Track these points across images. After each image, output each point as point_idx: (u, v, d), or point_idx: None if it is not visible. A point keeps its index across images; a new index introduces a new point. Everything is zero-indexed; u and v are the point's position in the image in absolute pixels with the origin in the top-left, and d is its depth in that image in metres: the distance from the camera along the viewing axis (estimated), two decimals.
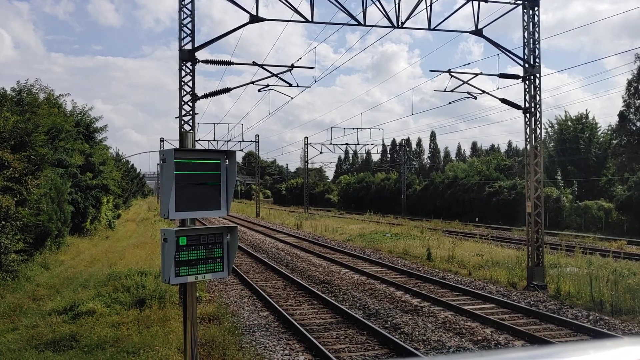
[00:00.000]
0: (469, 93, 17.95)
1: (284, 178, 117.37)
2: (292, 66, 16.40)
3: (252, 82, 16.87)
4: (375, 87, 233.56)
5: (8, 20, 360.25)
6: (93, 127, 34.14)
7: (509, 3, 15.15)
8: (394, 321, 11.15)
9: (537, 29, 15.06)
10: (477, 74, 17.20)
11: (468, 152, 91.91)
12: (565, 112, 58.93)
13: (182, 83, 13.37)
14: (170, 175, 3.61)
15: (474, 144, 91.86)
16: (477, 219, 43.88)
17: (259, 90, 18.07)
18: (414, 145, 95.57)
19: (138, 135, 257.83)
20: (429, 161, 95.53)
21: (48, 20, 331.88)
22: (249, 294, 14.42)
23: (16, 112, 19.01)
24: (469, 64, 38.26)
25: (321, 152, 55.21)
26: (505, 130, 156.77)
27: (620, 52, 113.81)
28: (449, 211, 48.84)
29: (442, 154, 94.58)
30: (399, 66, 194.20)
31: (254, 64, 16.12)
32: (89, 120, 33.67)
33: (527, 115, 15.12)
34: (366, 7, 14.36)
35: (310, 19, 13.89)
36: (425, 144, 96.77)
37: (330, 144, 52.08)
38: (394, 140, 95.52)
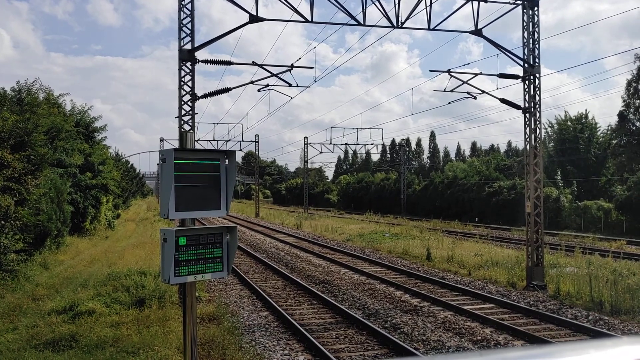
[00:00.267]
0: (468, 93, 17.96)
1: (283, 178, 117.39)
2: (292, 66, 16.41)
3: (252, 82, 16.87)
4: (374, 87, 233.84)
5: (7, 19, 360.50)
6: (92, 127, 34.13)
7: (509, 3, 15.16)
8: (393, 321, 11.15)
9: (536, 29, 15.07)
10: (476, 74, 17.21)
11: (468, 152, 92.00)
12: (565, 112, 59.00)
13: (182, 83, 13.37)
14: (169, 175, 3.61)
15: (474, 144, 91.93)
16: (476, 219, 43.91)
17: (259, 90, 18.08)
18: (413, 145, 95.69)
19: (137, 135, 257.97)
20: (428, 161, 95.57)
21: (47, 20, 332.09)
22: (249, 293, 14.42)
23: (16, 111, 19.00)
24: (468, 64, 38.25)
25: (321, 152, 55.24)
26: (504, 130, 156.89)
27: (620, 52, 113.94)
28: (448, 211, 48.86)
29: (441, 154, 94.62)
30: (399, 66, 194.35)
31: (254, 63, 16.12)
32: (89, 120, 33.67)
33: (527, 115, 15.12)
34: (366, 7, 14.37)
35: (310, 19, 13.89)
36: (425, 144, 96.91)
37: (330, 143, 52.09)
38: (393, 140, 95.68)
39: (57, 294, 13.27)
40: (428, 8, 14.52)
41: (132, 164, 78.11)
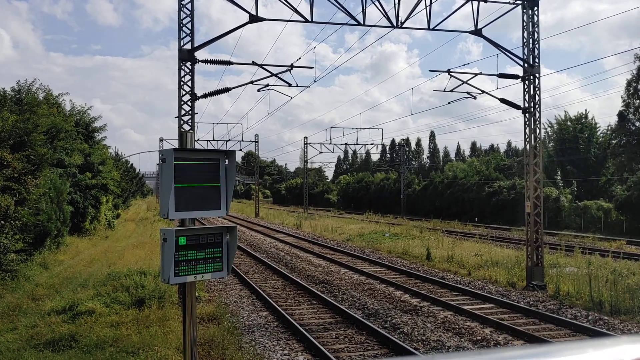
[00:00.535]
0: (468, 93, 17.96)
1: (283, 178, 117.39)
2: (292, 66, 16.41)
3: (252, 82, 16.88)
4: (374, 87, 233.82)
5: (7, 19, 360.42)
6: (92, 127, 34.13)
7: (509, 3, 15.16)
8: (393, 321, 11.15)
9: (536, 29, 15.07)
10: (476, 74, 17.21)
11: (467, 152, 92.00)
12: (565, 112, 59.03)
13: (182, 83, 13.37)
14: (169, 175, 3.61)
15: (474, 144, 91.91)
16: (476, 219, 43.92)
17: (259, 90, 18.08)
18: (413, 145, 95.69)
19: (137, 135, 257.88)
20: (428, 161, 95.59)
21: (47, 19, 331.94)
22: (249, 293, 14.42)
23: (15, 111, 19.00)
24: (468, 64, 38.20)
25: (320, 152, 55.24)
26: (504, 130, 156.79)
27: (620, 52, 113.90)
28: (448, 211, 48.88)
29: (441, 153, 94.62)
30: (398, 66, 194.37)
31: (254, 63, 16.12)
32: (88, 120, 33.67)
33: (527, 115, 15.12)
34: (365, 7, 14.37)
35: (309, 19, 13.89)
36: (425, 144, 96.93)
37: (330, 143, 52.09)
38: (393, 140, 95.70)
39: (56, 294, 13.26)
40: (428, 8, 14.53)
41: (131, 164, 78.13)
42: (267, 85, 17.43)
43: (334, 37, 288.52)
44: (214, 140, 44.85)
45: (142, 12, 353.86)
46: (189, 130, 13.45)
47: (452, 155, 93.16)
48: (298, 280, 15.74)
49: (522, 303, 12.78)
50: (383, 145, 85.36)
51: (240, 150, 54.31)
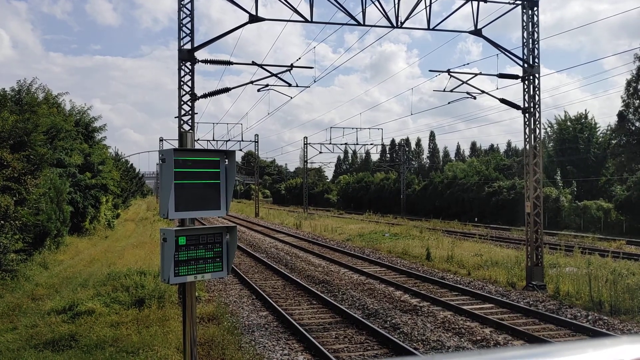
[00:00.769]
0: (468, 93, 17.96)
1: (283, 178, 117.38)
2: (292, 66, 16.41)
3: (252, 82, 16.88)
4: (374, 87, 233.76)
5: (6, 19, 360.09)
6: (92, 127, 34.13)
7: (508, 3, 15.16)
8: (393, 321, 11.15)
9: (536, 29, 15.07)
10: (476, 74, 17.21)
11: (467, 152, 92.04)
12: (565, 112, 59.03)
13: (182, 83, 13.37)
14: (169, 175, 3.61)
15: (473, 144, 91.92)
16: (476, 219, 43.92)
17: (258, 90, 18.08)
18: (413, 145, 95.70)
19: (137, 135, 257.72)
20: (428, 161, 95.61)
21: (46, 19, 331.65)
22: (248, 293, 14.42)
23: (15, 111, 19.00)
24: (468, 64, 38.23)
25: (320, 152, 55.25)
26: (504, 130, 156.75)
27: (619, 52, 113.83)
28: (448, 211, 48.89)
29: (441, 153, 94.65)
30: (398, 66, 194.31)
31: (254, 63, 16.12)
32: (88, 120, 33.67)
33: (527, 115, 15.13)
34: (365, 7, 14.37)
35: (309, 19, 13.88)
36: (425, 144, 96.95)
37: (330, 143, 52.10)
38: (393, 140, 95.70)
39: (56, 293, 13.26)
40: (428, 8, 14.53)
41: (131, 164, 78.16)
42: (267, 85, 17.43)
43: (333, 37, 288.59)
44: (214, 140, 44.87)
45: (141, 12, 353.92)
46: (189, 130, 13.45)
47: (452, 155, 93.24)
48: (298, 280, 15.75)
49: (521, 303, 12.78)
50: (383, 145, 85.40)
51: (240, 150, 54.35)
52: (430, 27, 14.90)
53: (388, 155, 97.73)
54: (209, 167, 3.87)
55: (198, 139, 40.98)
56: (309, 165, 63.96)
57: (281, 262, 20.34)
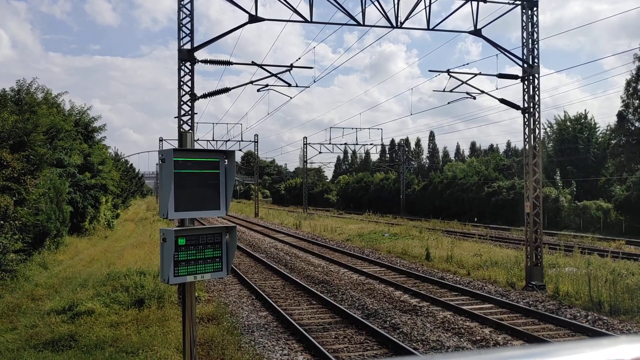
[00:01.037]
0: (467, 93, 17.97)
1: (282, 178, 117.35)
2: (292, 66, 16.41)
3: (251, 82, 16.88)
4: (373, 87, 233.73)
5: (5, 19, 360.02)
6: (92, 127, 34.12)
7: (508, 3, 15.16)
8: (392, 321, 11.15)
9: (535, 29, 15.08)
10: (475, 74, 17.22)
11: (467, 152, 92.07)
12: (565, 112, 59.06)
13: (181, 83, 13.37)
14: (169, 175, 3.62)
15: (473, 144, 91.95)
16: (475, 219, 43.92)
17: (258, 90, 18.08)
18: (412, 145, 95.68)
19: (137, 135, 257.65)
20: (427, 161, 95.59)
21: (45, 19, 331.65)
22: (248, 293, 14.42)
23: (15, 111, 18.99)
24: (467, 64, 38.35)
25: (320, 152, 55.26)
26: (504, 130, 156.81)
27: (619, 53, 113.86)
28: (447, 211, 48.89)
29: (441, 154, 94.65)
30: (397, 66, 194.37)
31: (253, 64, 16.12)
32: (88, 120, 33.67)
33: (526, 115, 15.13)
34: (365, 7, 14.36)
35: (309, 19, 13.88)
36: (424, 144, 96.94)
37: (329, 143, 52.10)
38: (392, 140, 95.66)
39: (56, 294, 13.26)
40: (427, 8, 14.53)
41: (131, 164, 78.17)
42: (266, 86, 17.43)
43: (333, 37, 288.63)
44: (213, 140, 44.88)
45: (140, 12, 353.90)
46: (189, 130, 13.45)
47: (452, 156, 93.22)
48: (297, 280, 15.75)
49: (521, 303, 12.78)
50: (382, 146, 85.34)
51: (240, 150, 54.33)
52: (430, 27, 14.90)
53: (388, 155, 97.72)
54: (208, 168, 3.87)
55: (198, 139, 40.98)
56: (308, 166, 63.97)
57: (281, 262, 20.34)
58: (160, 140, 59.69)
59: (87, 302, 11.36)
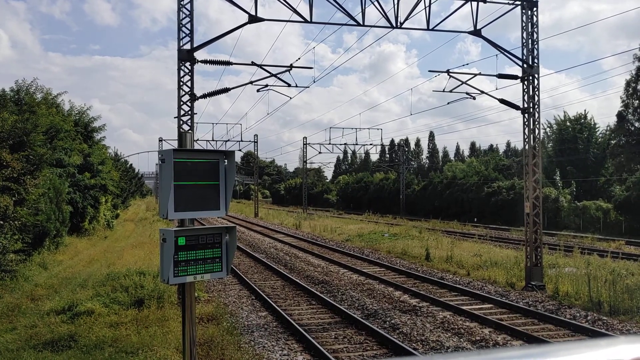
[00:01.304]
0: (467, 93, 17.97)
1: (282, 178, 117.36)
2: (291, 66, 16.41)
3: (251, 82, 16.88)
4: (373, 87, 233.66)
5: (5, 19, 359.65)
6: (91, 127, 34.13)
7: (508, 3, 15.17)
8: (392, 321, 11.16)
9: (535, 30, 15.08)
10: (475, 74, 17.23)
11: (467, 152, 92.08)
12: (564, 112, 59.07)
13: (181, 83, 13.37)
14: (169, 175, 3.62)
15: (473, 144, 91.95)
16: (475, 219, 43.93)
17: (258, 91, 18.09)
18: (412, 146, 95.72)
19: (136, 135, 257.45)
20: (427, 161, 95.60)
21: (45, 19, 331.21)
22: (248, 294, 14.42)
23: (14, 111, 18.99)
24: (467, 64, 38.44)
25: (320, 152, 55.29)
26: (503, 130, 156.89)
27: (618, 53, 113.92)
28: (447, 211, 48.89)
29: (440, 154, 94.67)
30: (397, 66, 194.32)
31: (253, 64, 16.13)
32: (87, 120, 33.67)
33: (526, 115, 15.13)
34: (365, 7, 14.37)
35: (309, 19, 13.89)
36: (424, 144, 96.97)
37: (329, 144, 52.12)
38: (392, 141, 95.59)
39: (55, 294, 13.26)
40: (427, 8, 14.53)
41: (131, 164, 78.19)
42: (266, 86, 17.44)
43: (332, 37, 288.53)
44: (213, 140, 44.91)
45: (140, 12, 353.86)
46: (189, 130, 13.45)
47: (452, 156, 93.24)
48: (297, 280, 15.75)
49: (521, 303, 12.79)
50: (382, 146, 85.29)
51: (240, 150, 54.35)
52: (430, 28, 14.91)
53: (387, 155, 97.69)
54: (208, 168, 3.87)
55: (197, 139, 40.99)
56: (308, 166, 63.97)
57: (280, 263, 20.34)
58: (160, 140, 59.69)
59: (86, 303, 11.36)
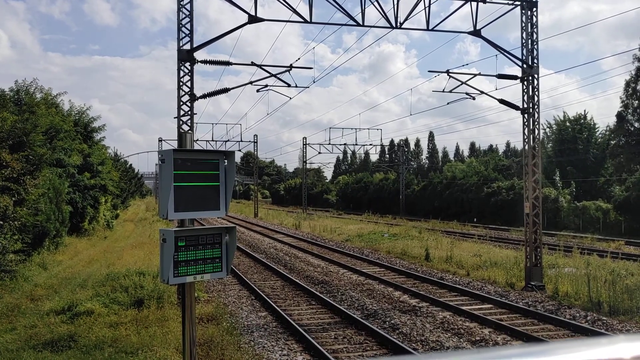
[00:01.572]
0: (467, 93, 17.97)
1: (282, 178, 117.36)
2: (291, 66, 16.41)
3: (251, 83, 16.88)
4: (372, 88, 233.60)
5: (4, 19, 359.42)
6: (91, 127, 34.13)
7: (508, 4, 15.17)
8: (392, 321, 11.16)
9: (535, 30, 15.09)
10: (475, 75, 17.23)
11: (466, 153, 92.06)
12: (564, 112, 59.07)
13: (181, 83, 13.37)
14: (169, 175, 3.62)
15: (472, 145, 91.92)
16: (475, 220, 43.94)
17: (258, 91, 18.09)
18: (412, 146, 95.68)
19: (136, 135, 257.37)
20: (427, 161, 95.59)
21: (44, 19, 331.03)
22: (248, 294, 14.42)
23: (14, 111, 18.98)
24: (467, 64, 38.57)
25: (319, 153, 55.33)
26: (503, 130, 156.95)
27: (618, 53, 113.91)
28: (447, 211, 48.90)
29: (440, 154, 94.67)
30: (396, 66, 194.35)
31: (253, 64, 16.13)
32: (87, 120, 33.67)
33: (526, 115, 15.14)
34: (364, 8, 14.37)
35: (309, 19, 13.89)
36: (424, 144, 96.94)
37: (329, 144, 52.12)
38: (392, 141, 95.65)
39: (55, 294, 13.26)
40: (427, 9, 14.54)
41: (130, 164, 78.16)
42: (266, 86, 17.44)
43: (332, 37, 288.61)
44: (213, 140, 44.86)
45: (139, 12, 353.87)
46: (188, 130, 13.45)
47: (451, 156, 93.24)
48: (297, 280, 15.75)
49: (520, 303, 12.79)
50: (382, 146, 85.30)
51: (239, 150, 54.32)
52: (430, 28, 14.91)
53: (387, 155, 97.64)
54: (208, 168, 3.88)
55: (197, 140, 40.98)
56: (308, 166, 63.96)
57: (280, 263, 20.34)
58: (160, 140, 59.62)
59: (86, 303, 11.36)
